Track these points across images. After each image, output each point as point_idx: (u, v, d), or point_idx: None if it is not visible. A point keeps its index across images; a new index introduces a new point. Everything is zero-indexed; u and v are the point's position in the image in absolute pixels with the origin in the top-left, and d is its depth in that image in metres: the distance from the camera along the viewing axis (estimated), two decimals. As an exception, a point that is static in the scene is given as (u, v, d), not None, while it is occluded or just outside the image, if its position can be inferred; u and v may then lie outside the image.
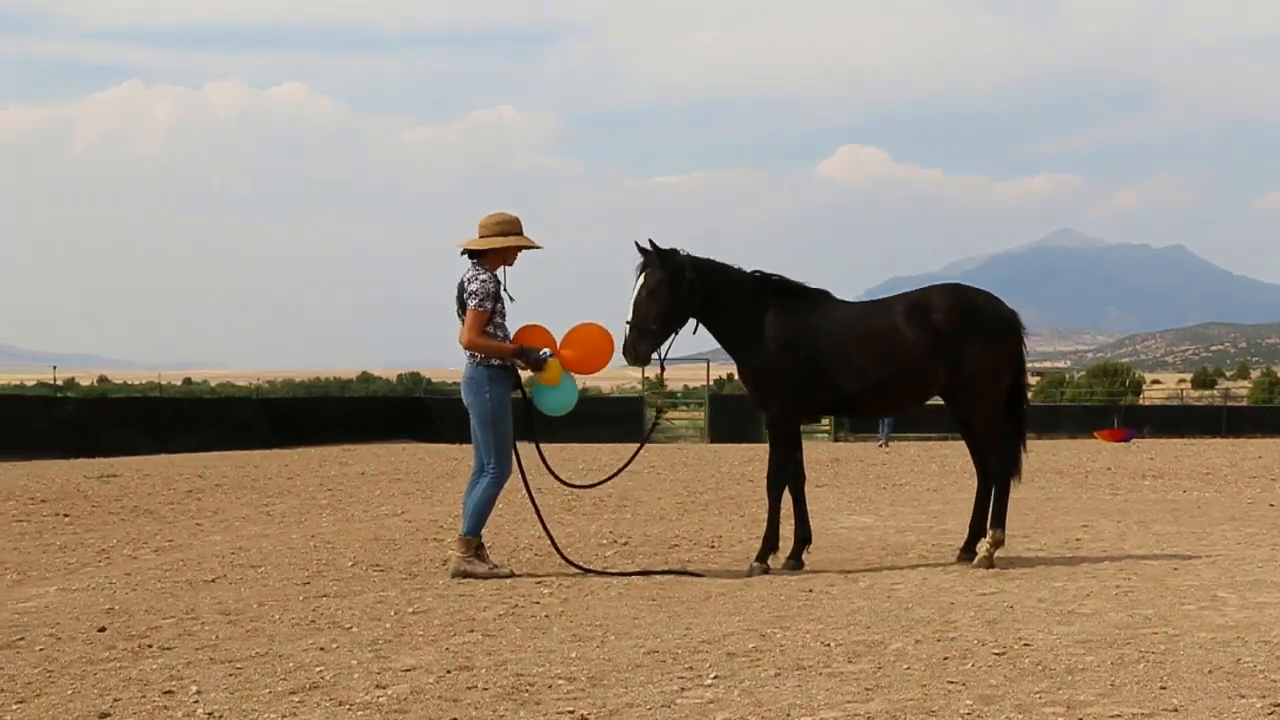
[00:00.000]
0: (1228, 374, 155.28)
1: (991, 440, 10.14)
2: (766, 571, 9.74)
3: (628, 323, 9.82)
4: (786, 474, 10.05)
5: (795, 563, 9.97)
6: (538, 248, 9.79)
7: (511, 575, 9.53)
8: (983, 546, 10.02)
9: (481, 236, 9.65)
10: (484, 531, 9.76)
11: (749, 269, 10.15)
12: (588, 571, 9.78)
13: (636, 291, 9.81)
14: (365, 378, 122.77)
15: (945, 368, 9.93)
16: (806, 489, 10.26)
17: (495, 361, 9.59)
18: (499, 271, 9.74)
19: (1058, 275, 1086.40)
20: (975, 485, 10.40)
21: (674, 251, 9.89)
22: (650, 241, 9.84)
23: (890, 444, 35.85)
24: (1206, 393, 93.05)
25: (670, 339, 9.96)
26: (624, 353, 9.84)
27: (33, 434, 31.46)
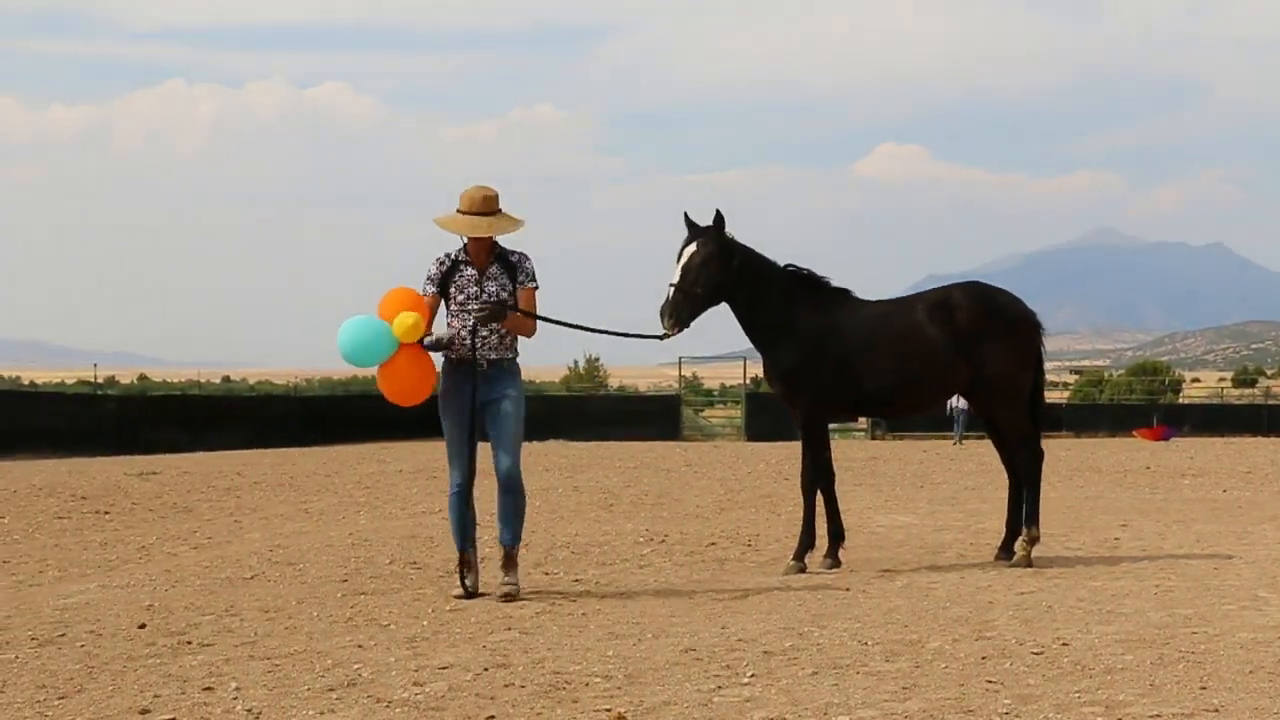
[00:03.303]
0: (1268, 372, 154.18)
1: (1020, 439, 10.14)
2: (803, 570, 9.72)
3: (673, 285, 9.44)
4: (820, 472, 10.01)
5: (833, 561, 9.94)
6: (483, 234, 8.59)
7: (470, 594, 8.58)
8: (1020, 545, 10.00)
9: (458, 211, 8.67)
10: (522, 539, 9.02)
11: (781, 263, 10.04)
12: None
13: (689, 257, 9.48)
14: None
15: (967, 366, 9.91)
16: (842, 487, 10.22)
17: (450, 354, 8.70)
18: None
19: (1097, 273, 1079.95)
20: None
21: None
22: (719, 213, 9.64)
23: (964, 442, 35.70)
24: (1247, 391, 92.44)
25: (699, 315, 9.63)
26: (663, 313, 9.42)
27: (74, 431, 31.76)
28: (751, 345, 10.05)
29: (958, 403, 37.10)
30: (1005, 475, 10.42)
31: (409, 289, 8.73)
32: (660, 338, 9.51)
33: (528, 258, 8.78)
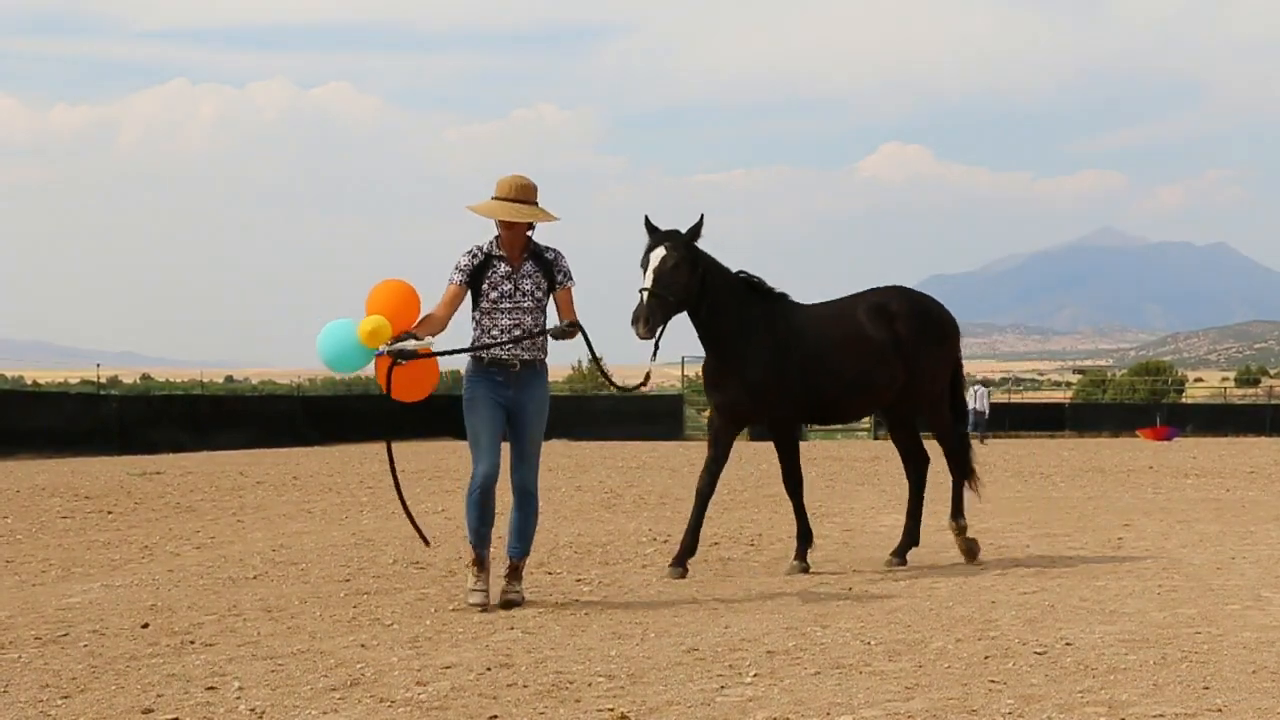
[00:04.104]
0: (1271, 372, 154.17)
1: (946, 436, 10.57)
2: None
3: (645, 290, 9.10)
4: (799, 472, 10.07)
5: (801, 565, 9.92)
6: (519, 221, 8.19)
7: (484, 607, 8.12)
8: (958, 541, 10.39)
9: (494, 199, 8.29)
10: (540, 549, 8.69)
11: (735, 268, 9.91)
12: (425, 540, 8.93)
13: (659, 262, 9.20)
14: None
15: (904, 370, 10.01)
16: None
17: (483, 355, 8.31)
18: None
19: (1099, 273, 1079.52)
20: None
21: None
22: (707, 218, 9.58)
23: (987, 441, 35.60)
24: (1250, 391, 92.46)
25: (667, 322, 9.33)
26: (636, 319, 9.05)
27: (77, 431, 31.80)
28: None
29: (976, 404, 36.92)
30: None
31: (396, 281, 8.32)
32: (642, 383, 9.60)
33: (563, 255, 8.40)
